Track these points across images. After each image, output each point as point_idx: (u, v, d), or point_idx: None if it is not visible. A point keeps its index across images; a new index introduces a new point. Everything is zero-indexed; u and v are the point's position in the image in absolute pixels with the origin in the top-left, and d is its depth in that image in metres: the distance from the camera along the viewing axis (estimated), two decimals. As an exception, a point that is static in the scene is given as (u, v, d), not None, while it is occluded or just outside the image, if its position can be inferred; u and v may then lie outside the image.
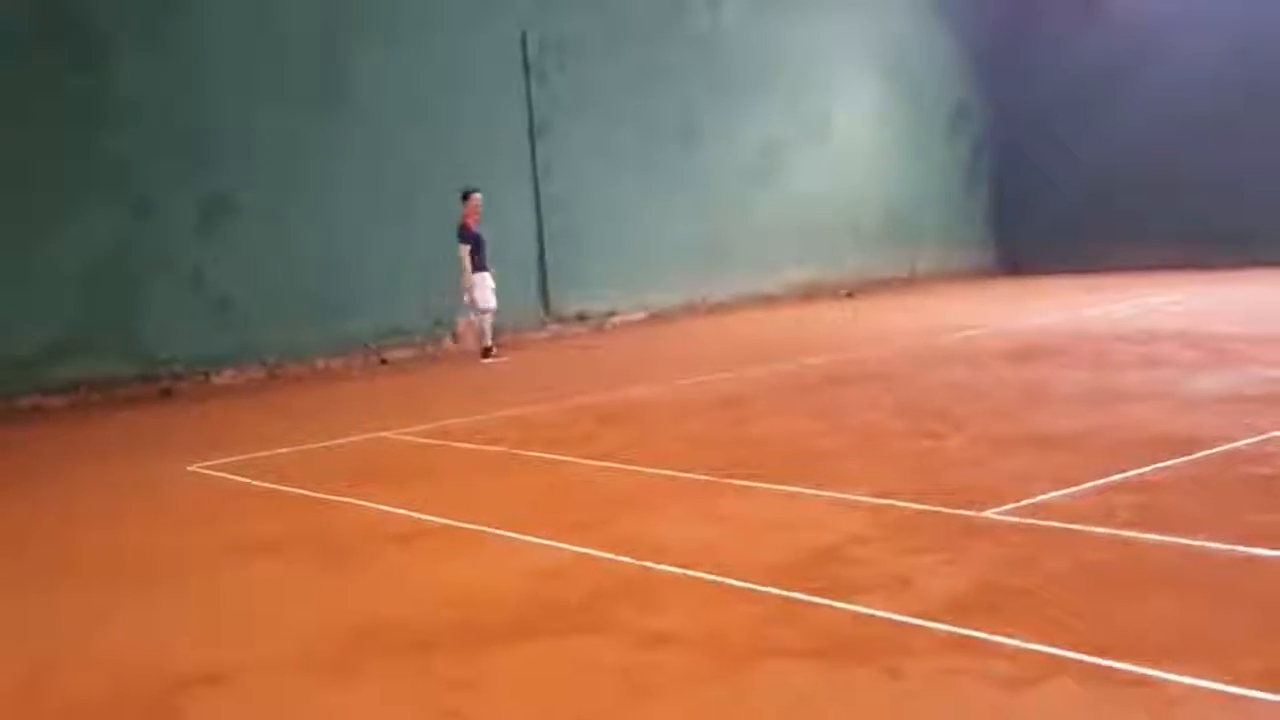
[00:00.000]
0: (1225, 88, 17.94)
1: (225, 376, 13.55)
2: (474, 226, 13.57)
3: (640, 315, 16.86)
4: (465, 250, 13.47)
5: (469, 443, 8.68)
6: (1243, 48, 17.80)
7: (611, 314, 16.64)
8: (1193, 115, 18.25)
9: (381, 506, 6.81)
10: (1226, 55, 17.94)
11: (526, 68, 15.82)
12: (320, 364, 14.16)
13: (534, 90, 15.86)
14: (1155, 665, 3.73)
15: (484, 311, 13.72)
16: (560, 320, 16.20)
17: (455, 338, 14.25)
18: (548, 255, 16.02)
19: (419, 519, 6.47)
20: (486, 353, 13.84)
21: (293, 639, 4.74)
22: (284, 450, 8.94)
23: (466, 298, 13.61)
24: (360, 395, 12.17)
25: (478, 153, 15.34)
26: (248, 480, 7.92)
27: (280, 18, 13.98)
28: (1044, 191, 20.08)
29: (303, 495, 7.34)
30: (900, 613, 4.40)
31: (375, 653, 4.50)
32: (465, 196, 13.63)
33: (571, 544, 5.69)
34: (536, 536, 5.88)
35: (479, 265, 13.54)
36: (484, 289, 13.59)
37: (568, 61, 16.12)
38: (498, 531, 6.05)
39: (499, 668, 4.26)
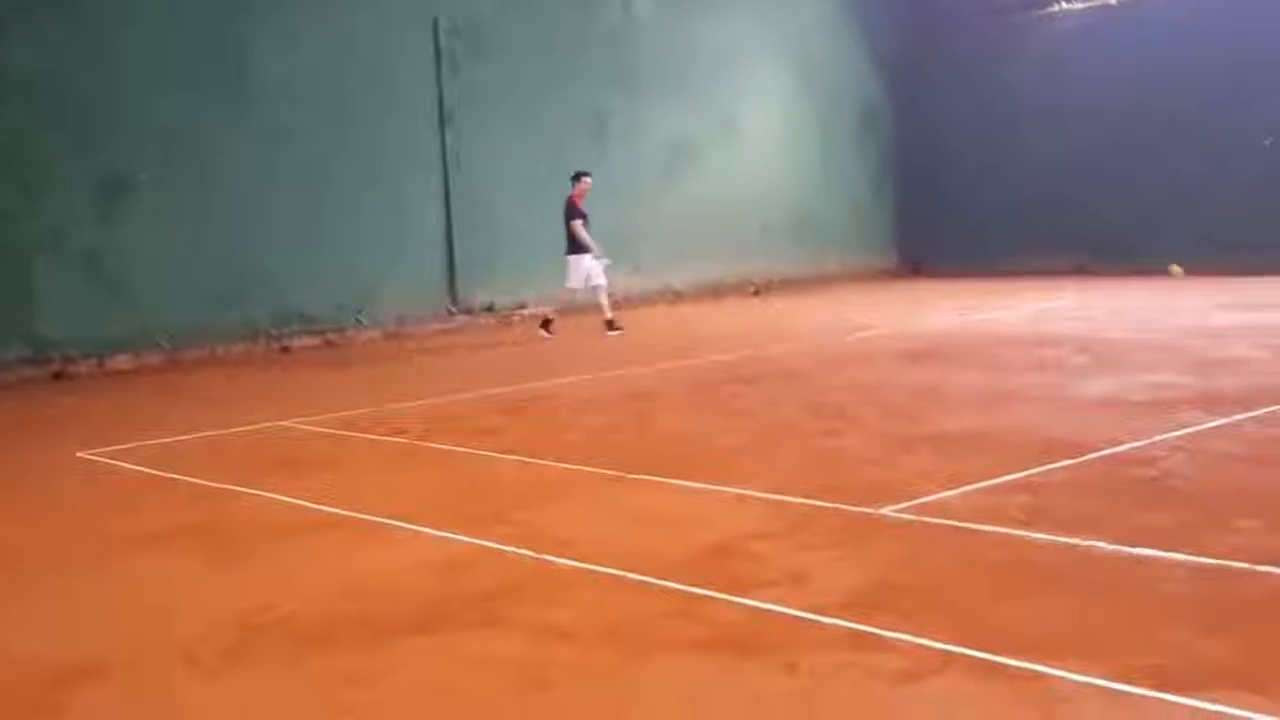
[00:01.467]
0: (1122, 105, 18.48)
1: (120, 361, 13.24)
2: (582, 206, 14.09)
3: (548, 309, 16.81)
4: (579, 224, 13.99)
5: (371, 433, 8.59)
6: (1139, 73, 18.34)
7: (519, 307, 16.57)
8: (1090, 130, 18.76)
9: (279, 497, 6.72)
10: (1124, 78, 18.50)
11: (438, 55, 15.69)
12: (220, 350, 13.92)
13: (445, 79, 15.74)
14: (1042, 661, 3.83)
15: (596, 286, 14.25)
16: (468, 312, 16.11)
17: (548, 327, 14.46)
18: (456, 247, 15.92)
19: (318, 510, 6.39)
20: (611, 325, 14.21)
21: (183, 632, 4.65)
22: (179, 438, 8.76)
23: (592, 269, 14.12)
24: (260, 383, 11.98)
25: (386, 140, 15.21)
26: (141, 468, 7.75)
27: (186, 2, 13.69)
28: (946, 197, 20.47)
29: (198, 484, 7.21)
30: (797, 608, 4.46)
31: (269, 646, 4.44)
32: (577, 178, 14.18)
33: (472, 537, 5.67)
34: (437, 529, 5.84)
35: (587, 245, 14.12)
36: (596, 266, 14.08)
37: (479, 50, 16.02)
38: (398, 524, 6.00)
39: (396, 661, 4.23)
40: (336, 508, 6.38)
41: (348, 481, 7.17)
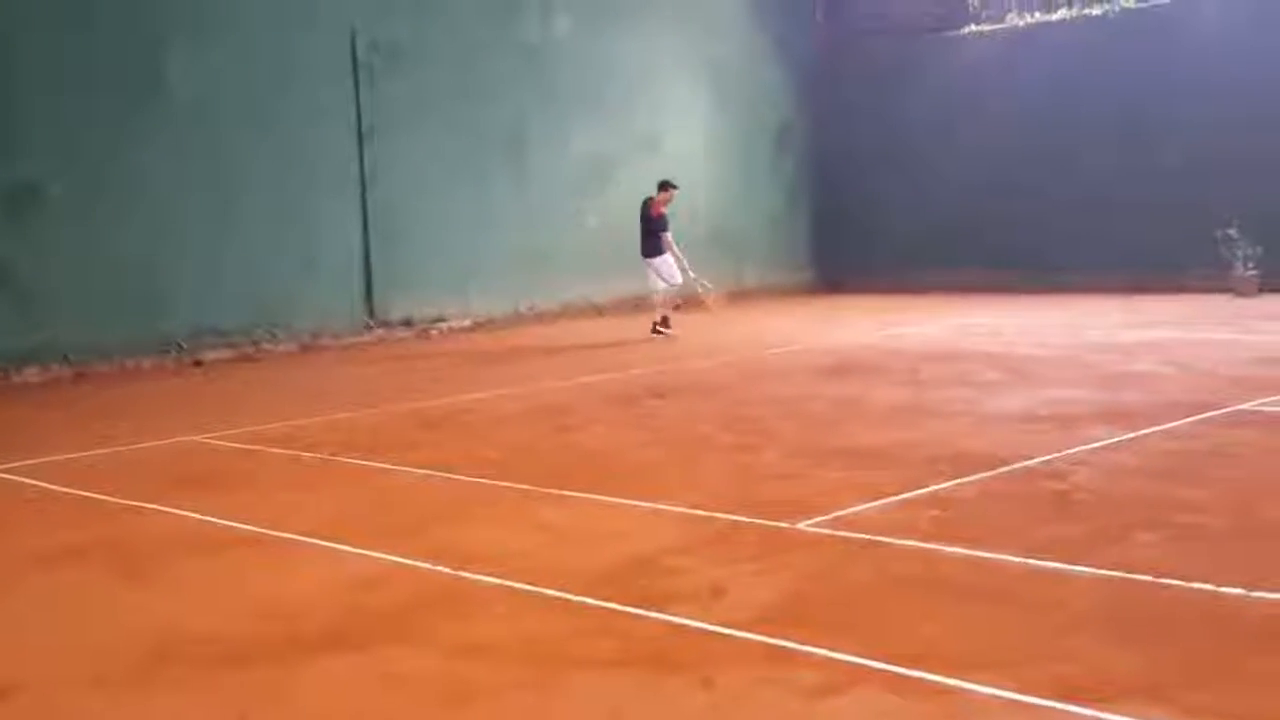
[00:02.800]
0: (1034, 125, 18.82)
1: (26, 375, 12.92)
2: (665, 215, 14.94)
3: (467, 323, 16.75)
4: (669, 236, 14.86)
5: (285, 448, 8.48)
6: (1049, 93, 18.71)
7: (438, 320, 16.47)
8: (1006, 149, 19.07)
9: (191, 514, 6.60)
10: (1036, 98, 18.82)
11: (355, 69, 15.56)
12: (130, 364, 13.63)
13: (363, 92, 15.61)
14: (954, 674, 3.89)
15: (670, 285, 14.99)
16: (385, 325, 15.97)
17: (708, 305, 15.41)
18: (374, 260, 15.77)
19: (230, 527, 6.29)
20: (664, 322, 14.82)
21: (91, 652, 4.56)
22: (88, 453, 8.58)
23: (689, 273, 15.05)
24: (172, 397, 11.76)
25: (303, 152, 15.02)
26: (49, 485, 7.57)
27: (97, 6, 13.44)
28: (862, 214, 20.69)
29: (107, 501, 7.06)
30: (714, 623, 4.48)
31: (180, 666, 4.36)
32: (663, 187, 15.03)
33: (388, 553, 5.62)
34: (352, 546, 5.78)
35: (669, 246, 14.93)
36: (673, 267, 14.94)
37: (398, 65, 15.92)
38: (312, 540, 5.93)
39: (310, 680, 4.18)
40: (250, 524, 6.29)
41: (261, 498, 7.07)
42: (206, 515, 6.53)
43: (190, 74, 14.02)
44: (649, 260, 14.99)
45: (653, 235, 14.92)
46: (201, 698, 4.08)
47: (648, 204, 15.08)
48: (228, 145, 14.34)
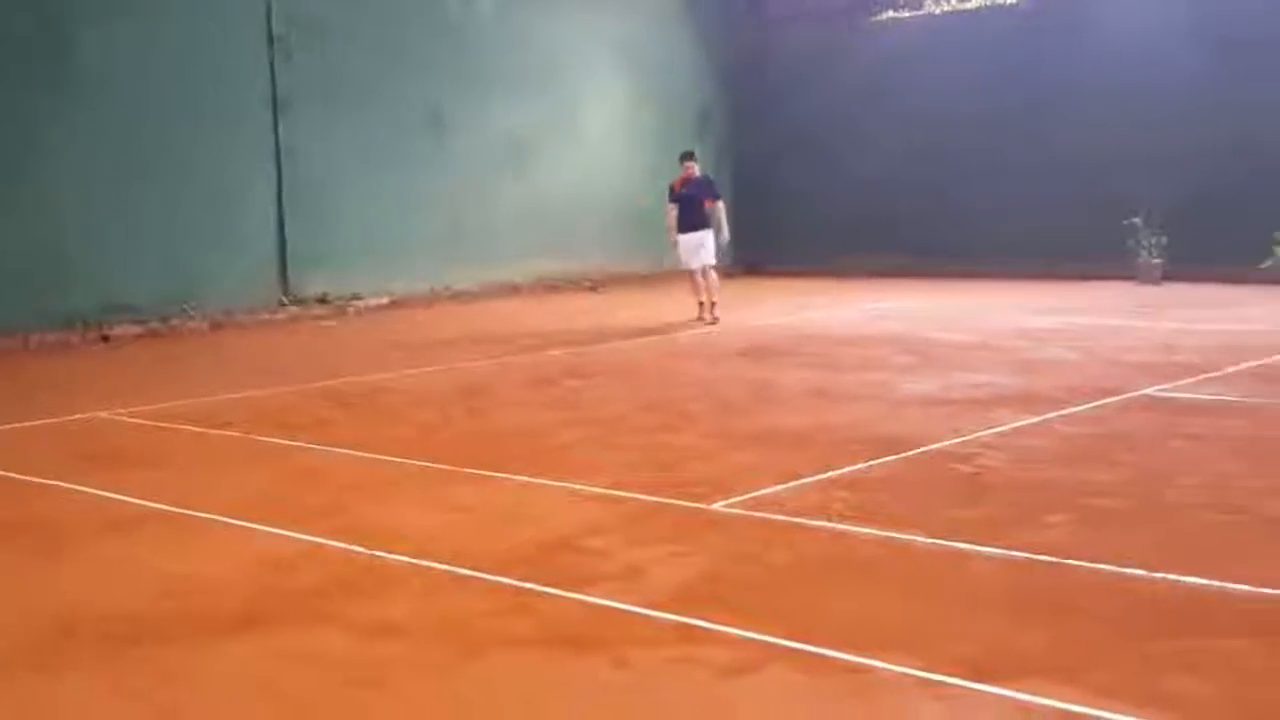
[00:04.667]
0: (951, 115, 19.04)
1: (-75, 349, 12.57)
2: (679, 188, 14.40)
3: (383, 301, 16.58)
4: (670, 215, 14.39)
5: (197, 426, 8.34)
6: (965, 80, 18.94)
7: (354, 298, 16.28)
8: (924, 136, 19.30)
9: (98, 492, 6.47)
10: (953, 87, 19.06)
11: (271, 43, 15.29)
12: (34, 340, 13.29)
13: (278, 67, 15.34)
14: (866, 653, 3.95)
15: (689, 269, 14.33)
16: (299, 302, 15.75)
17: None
18: (289, 235, 15.54)
19: (140, 505, 6.18)
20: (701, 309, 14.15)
21: (-7, 632, 4.46)
22: (-10, 430, 8.37)
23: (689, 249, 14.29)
24: (80, 374, 11.50)
25: (216, 128, 14.74)
26: (-53, 462, 7.38)
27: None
28: (780, 198, 20.82)
29: (11, 478, 6.89)
30: (630, 603, 4.50)
31: (86, 646, 4.28)
32: (681, 159, 14.66)
33: (301, 533, 5.56)
34: (265, 525, 5.71)
35: (684, 226, 14.23)
36: (685, 249, 14.24)
37: (315, 39, 15.66)
38: (224, 519, 5.85)
39: (220, 660, 4.13)
40: (158, 503, 6.18)
41: (172, 476, 6.95)
42: (116, 493, 6.41)
43: (99, 46, 13.69)
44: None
45: None
46: (107, 678, 4.01)
47: None
48: (138, 118, 14.04)
